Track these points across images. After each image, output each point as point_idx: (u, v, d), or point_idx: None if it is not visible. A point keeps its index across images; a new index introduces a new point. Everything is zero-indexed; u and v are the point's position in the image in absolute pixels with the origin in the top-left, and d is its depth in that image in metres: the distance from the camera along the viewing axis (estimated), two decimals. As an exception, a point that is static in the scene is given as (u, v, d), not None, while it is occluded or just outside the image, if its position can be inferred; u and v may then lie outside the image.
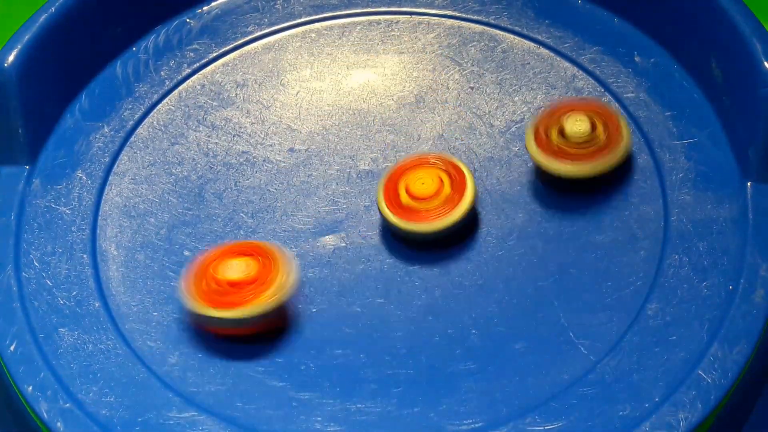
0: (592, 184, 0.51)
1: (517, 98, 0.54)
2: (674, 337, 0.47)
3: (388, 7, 0.57)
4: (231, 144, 0.54)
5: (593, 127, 0.50)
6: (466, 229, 0.51)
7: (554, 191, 0.52)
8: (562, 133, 0.50)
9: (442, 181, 0.50)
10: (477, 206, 0.50)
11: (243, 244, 0.49)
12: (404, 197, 0.50)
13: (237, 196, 0.53)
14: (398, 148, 0.54)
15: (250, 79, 0.56)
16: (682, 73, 0.54)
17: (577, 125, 0.50)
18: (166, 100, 0.55)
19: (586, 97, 0.53)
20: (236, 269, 0.48)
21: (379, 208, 0.50)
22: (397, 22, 0.57)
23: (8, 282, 0.50)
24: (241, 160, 0.54)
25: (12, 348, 0.48)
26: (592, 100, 0.52)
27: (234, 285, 0.48)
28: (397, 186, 0.50)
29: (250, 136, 0.54)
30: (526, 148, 0.50)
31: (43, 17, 0.53)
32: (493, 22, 0.56)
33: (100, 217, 0.52)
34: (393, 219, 0.50)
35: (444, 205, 0.49)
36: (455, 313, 0.49)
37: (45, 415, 0.46)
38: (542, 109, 0.52)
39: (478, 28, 0.56)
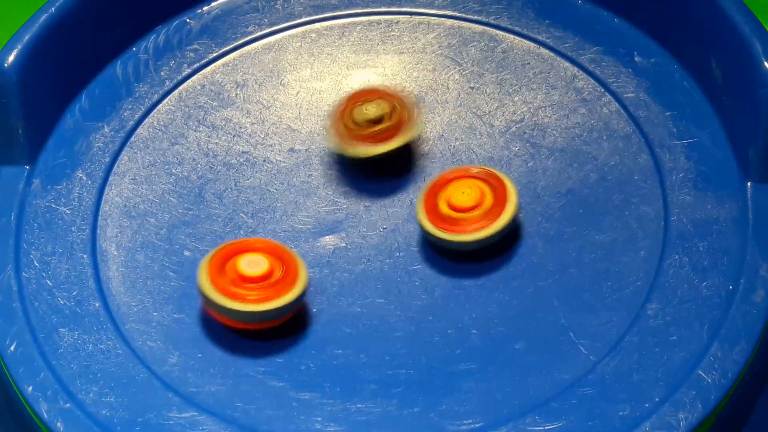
0: (592, 184, 0.52)
1: (517, 98, 0.54)
2: (674, 337, 0.47)
3: (388, 8, 0.57)
4: (231, 144, 0.54)
5: (385, 111, 0.51)
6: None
7: (554, 191, 0.52)
8: (353, 118, 0.51)
9: (483, 192, 0.50)
10: (519, 216, 0.50)
11: (258, 241, 0.49)
12: (444, 208, 0.50)
13: (237, 196, 0.53)
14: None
15: (250, 79, 0.56)
16: (682, 73, 0.54)
17: (366, 111, 0.51)
18: (167, 100, 0.55)
19: (382, 85, 0.53)
20: (254, 265, 0.48)
21: (419, 221, 0.50)
22: (397, 22, 0.57)
23: (8, 282, 0.50)
24: (242, 160, 0.54)
25: (12, 348, 0.48)
26: (386, 87, 0.52)
27: (252, 280, 0.48)
28: (437, 197, 0.50)
29: (250, 136, 0.54)
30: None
31: (43, 17, 0.53)
32: (493, 22, 0.56)
33: (100, 218, 0.52)
34: (433, 230, 0.49)
35: (485, 217, 0.49)
36: (455, 313, 0.49)
37: (45, 416, 0.46)
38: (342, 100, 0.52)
39: (478, 28, 0.56)
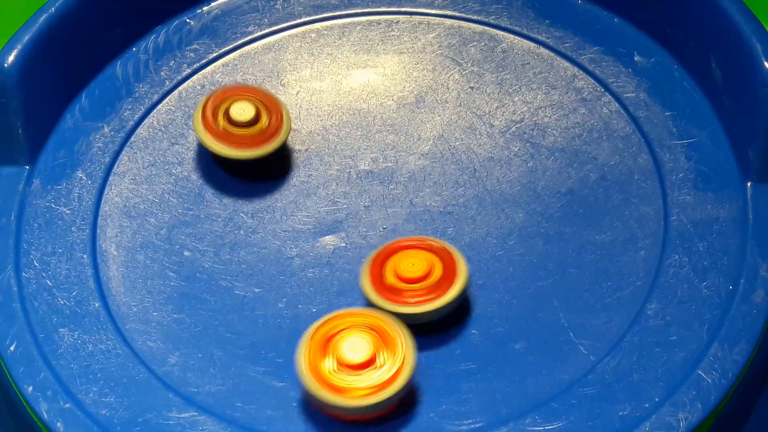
0: (591, 184, 0.52)
1: (517, 98, 0.54)
2: (674, 337, 0.47)
3: (388, 7, 0.57)
4: (231, 144, 0.54)
5: (258, 114, 0.51)
6: (467, 229, 0.51)
7: (554, 191, 0.52)
8: (227, 117, 0.51)
9: (432, 265, 0.47)
10: (468, 292, 0.48)
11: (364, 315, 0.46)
12: (390, 278, 0.47)
13: (237, 196, 0.53)
14: (398, 149, 0.54)
15: (250, 79, 0.56)
16: (682, 73, 0.54)
17: (243, 112, 0.51)
18: (166, 100, 0.55)
19: (253, 85, 0.53)
20: (357, 349, 0.45)
21: (362, 287, 0.48)
22: (397, 22, 0.57)
23: (8, 282, 0.50)
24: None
25: (12, 348, 0.48)
26: (258, 88, 0.53)
27: (355, 367, 0.45)
28: (384, 265, 0.48)
29: (250, 136, 0.54)
30: (193, 128, 0.51)
31: (43, 17, 0.53)
32: (493, 22, 0.56)
33: (100, 218, 0.52)
34: (375, 299, 0.47)
35: (432, 289, 0.47)
36: (455, 312, 0.49)
37: (45, 416, 0.46)
38: (214, 91, 0.52)
39: (478, 28, 0.56)
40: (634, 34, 0.55)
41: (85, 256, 0.51)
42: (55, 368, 0.48)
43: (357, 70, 0.56)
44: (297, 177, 0.53)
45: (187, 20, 0.57)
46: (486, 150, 0.53)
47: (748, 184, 0.50)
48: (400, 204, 0.52)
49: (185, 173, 0.53)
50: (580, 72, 0.55)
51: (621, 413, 0.46)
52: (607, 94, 0.54)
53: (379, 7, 0.57)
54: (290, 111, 0.54)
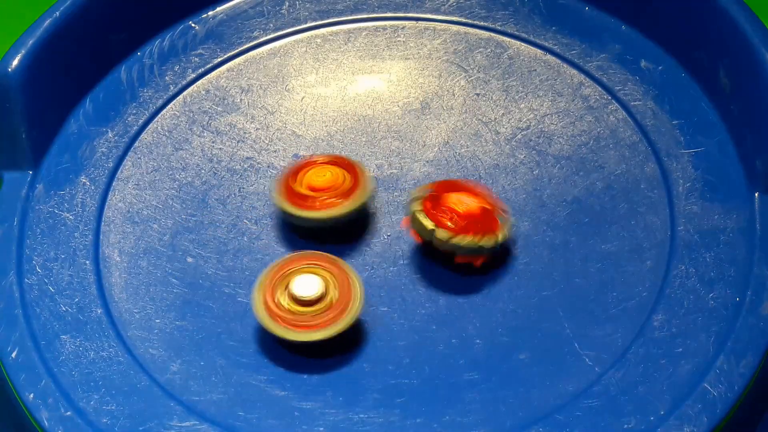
0: (598, 193, 0.51)
1: (523, 105, 0.54)
2: (680, 349, 0.47)
3: (394, 13, 0.57)
4: (235, 150, 0.54)
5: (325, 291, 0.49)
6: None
7: (560, 200, 0.51)
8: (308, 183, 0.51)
9: (343, 177, 0.50)
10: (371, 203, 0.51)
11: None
12: (300, 188, 0.50)
13: (241, 202, 0.52)
14: (403, 155, 0.53)
15: (255, 84, 0.55)
16: (689, 82, 0.54)
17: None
18: (171, 105, 0.55)
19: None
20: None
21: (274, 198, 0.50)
22: (403, 27, 0.56)
23: (10, 288, 0.50)
24: (246, 165, 0.53)
25: (13, 355, 0.48)
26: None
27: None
28: (297, 178, 0.50)
29: (254, 141, 0.54)
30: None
31: (47, 22, 0.53)
32: (499, 28, 0.56)
33: (103, 223, 0.52)
34: (284, 205, 0.50)
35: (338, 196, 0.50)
36: (459, 322, 0.49)
37: (46, 423, 0.46)
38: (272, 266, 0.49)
39: (485, 34, 0.56)
40: (641, 41, 0.55)
41: (87, 262, 0.51)
42: (56, 375, 0.47)
43: (362, 76, 0.55)
44: (301, 183, 0.53)
45: (192, 25, 0.57)
46: (491, 157, 0.53)
47: (756, 194, 0.50)
48: (405, 212, 0.52)
49: (189, 179, 0.53)
50: (587, 79, 0.54)
51: (626, 426, 0.45)
52: (614, 102, 0.54)
53: (385, 12, 0.57)
54: (295, 116, 0.54)
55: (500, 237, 0.49)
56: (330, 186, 0.50)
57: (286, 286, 0.48)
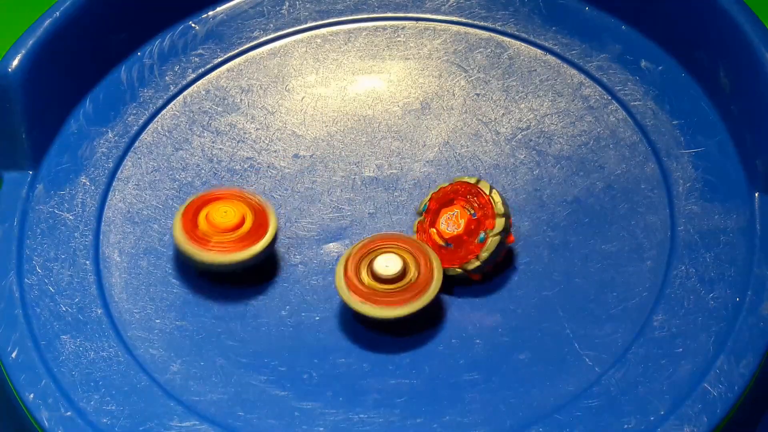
0: (598, 193, 0.51)
1: (523, 105, 0.54)
2: (680, 349, 0.47)
3: (394, 13, 0.57)
4: (235, 150, 0.54)
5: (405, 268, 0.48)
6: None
7: (560, 200, 0.51)
8: (372, 271, 0.48)
9: (244, 216, 0.49)
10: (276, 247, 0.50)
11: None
12: (203, 226, 0.49)
13: (241, 203, 0.52)
14: (403, 155, 0.53)
15: (255, 84, 0.55)
16: (689, 82, 0.54)
17: (387, 267, 0.48)
18: (171, 105, 0.55)
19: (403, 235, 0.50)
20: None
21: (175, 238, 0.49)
22: (403, 28, 0.56)
23: (10, 288, 0.50)
24: (246, 166, 0.53)
25: (13, 355, 0.48)
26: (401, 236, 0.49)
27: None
28: (198, 214, 0.49)
29: (254, 141, 0.54)
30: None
31: (47, 22, 0.53)
32: (499, 28, 0.56)
33: (103, 223, 0.52)
34: (186, 247, 0.48)
35: (242, 240, 0.48)
36: (459, 322, 0.49)
37: (46, 423, 0.46)
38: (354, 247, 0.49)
39: (485, 34, 0.56)
40: (641, 41, 0.55)
41: (87, 262, 0.51)
42: (56, 376, 0.47)
43: (362, 76, 0.55)
44: (301, 183, 0.53)
45: (193, 25, 0.57)
46: (492, 157, 0.53)
47: (756, 194, 0.50)
48: (405, 211, 0.52)
49: (189, 179, 0.53)
50: (587, 79, 0.54)
51: (626, 426, 0.45)
52: (614, 102, 0.54)
53: (385, 12, 0.57)
54: (295, 117, 0.54)
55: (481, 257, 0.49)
56: (230, 227, 0.49)
57: (369, 264, 0.48)
